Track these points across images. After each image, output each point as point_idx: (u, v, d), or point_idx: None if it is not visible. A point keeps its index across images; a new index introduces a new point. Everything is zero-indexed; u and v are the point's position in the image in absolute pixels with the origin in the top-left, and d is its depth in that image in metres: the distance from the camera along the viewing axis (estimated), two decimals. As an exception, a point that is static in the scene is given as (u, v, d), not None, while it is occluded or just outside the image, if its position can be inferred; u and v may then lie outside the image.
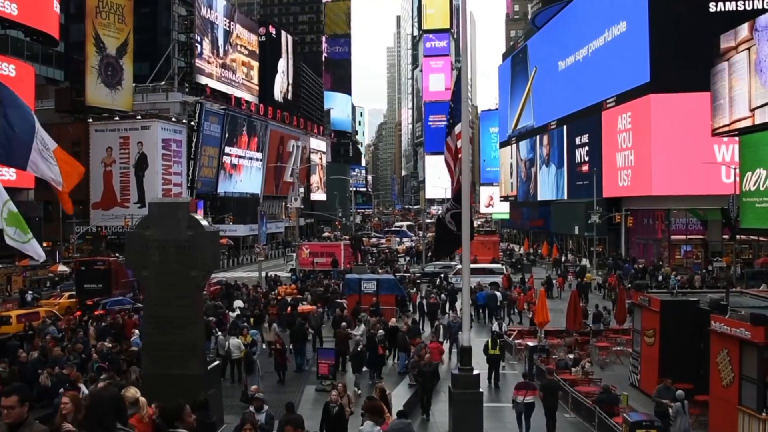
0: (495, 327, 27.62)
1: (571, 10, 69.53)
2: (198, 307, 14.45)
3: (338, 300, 34.56)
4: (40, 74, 65.98)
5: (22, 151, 12.22)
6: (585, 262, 57.70)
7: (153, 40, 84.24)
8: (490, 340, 23.00)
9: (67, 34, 70.98)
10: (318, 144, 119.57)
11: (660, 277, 43.25)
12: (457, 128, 16.60)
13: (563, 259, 61.61)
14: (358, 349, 22.55)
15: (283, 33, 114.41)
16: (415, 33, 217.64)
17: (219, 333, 24.37)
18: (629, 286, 33.81)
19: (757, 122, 38.01)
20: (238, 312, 30.46)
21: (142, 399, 9.99)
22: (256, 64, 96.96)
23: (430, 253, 55.44)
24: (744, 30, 38.94)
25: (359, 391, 20.43)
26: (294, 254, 56.30)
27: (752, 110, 38.15)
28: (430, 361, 19.74)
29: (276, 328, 27.06)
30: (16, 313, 31.42)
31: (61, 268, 49.26)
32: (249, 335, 24.03)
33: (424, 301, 34.36)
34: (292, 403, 15.13)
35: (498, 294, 35.34)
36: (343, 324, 25.80)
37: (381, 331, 24.93)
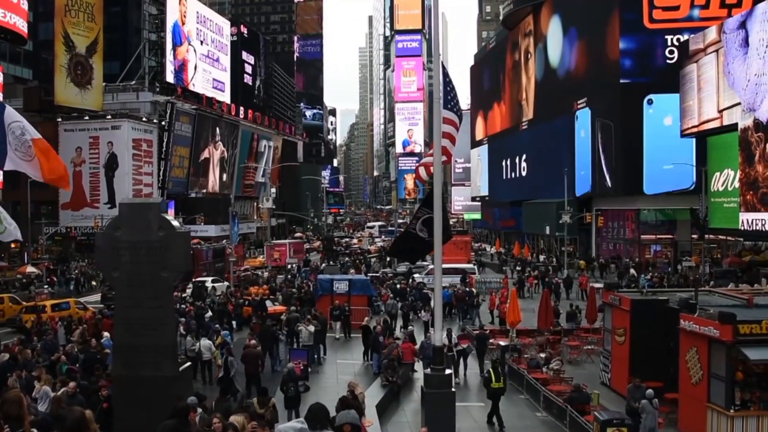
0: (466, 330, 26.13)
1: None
2: (170, 308, 14.31)
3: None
4: (8, 73, 64.88)
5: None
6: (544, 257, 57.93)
7: (123, 39, 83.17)
8: (491, 369, 18.94)
9: (36, 33, 69.92)
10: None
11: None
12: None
13: (537, 259, 61.99)
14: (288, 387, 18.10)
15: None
16: (387, 33, 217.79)
17: (187, 334, 23.78)
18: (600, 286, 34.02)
19: (725, 123, 38.56)
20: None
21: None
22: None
23: (388, 258, 56.21)
24: (712, 32, 39.49)
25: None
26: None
27: (720, 111, 38.71)
28: None
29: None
30: (51, 303, 33.68)
31: (30, 269, 48.42)
32: (222, 336, 23.77)
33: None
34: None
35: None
36: (253, 342, 22.31)
37: None
